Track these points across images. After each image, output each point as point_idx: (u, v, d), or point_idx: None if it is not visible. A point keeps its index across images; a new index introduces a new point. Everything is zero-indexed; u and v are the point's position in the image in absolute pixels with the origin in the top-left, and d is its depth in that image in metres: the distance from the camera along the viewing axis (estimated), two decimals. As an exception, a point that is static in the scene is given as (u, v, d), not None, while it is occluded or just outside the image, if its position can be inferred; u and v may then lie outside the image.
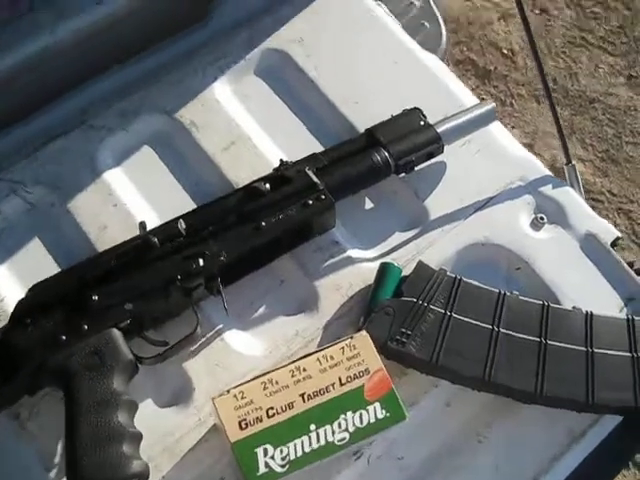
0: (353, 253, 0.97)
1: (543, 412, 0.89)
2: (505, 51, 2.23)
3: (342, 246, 0.96)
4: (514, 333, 0.88)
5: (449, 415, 0.91)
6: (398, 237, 0.98)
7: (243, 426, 0.77)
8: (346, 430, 0.78)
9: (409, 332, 0.87)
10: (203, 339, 0.91)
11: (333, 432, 0.78)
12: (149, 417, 0.87)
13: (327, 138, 1.04)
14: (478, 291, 0.91)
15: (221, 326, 0.92)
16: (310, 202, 0.91)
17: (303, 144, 1.03)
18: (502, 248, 0.97)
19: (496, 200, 1.00)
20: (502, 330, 0.88)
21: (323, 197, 0.92)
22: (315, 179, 0.93)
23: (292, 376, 0.79)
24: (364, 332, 0.82)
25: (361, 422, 0.79)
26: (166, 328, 0.91)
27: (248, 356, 0.90)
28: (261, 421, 0.77)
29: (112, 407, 0.80)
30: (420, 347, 0.86)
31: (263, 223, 0.90)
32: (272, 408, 0.78)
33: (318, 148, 1.01)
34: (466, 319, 0.89)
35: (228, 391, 0.78)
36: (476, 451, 0.89)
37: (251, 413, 0.77)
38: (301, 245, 0.95)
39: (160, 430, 0.86)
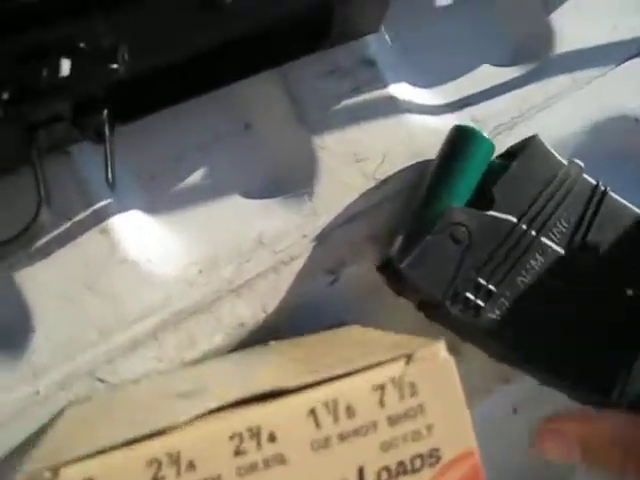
0: (398, 91, 0.44)
1: None
2: None
3: (380, 73, 0.43)
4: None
5: (512, 427, 0.46)
6: (487, 74, 0.45)
7: None
8: None
9: (491, 287, 0.38)
10: (67, 224, 0.39)
11: None
12: None
13: None
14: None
15: (108, 202, 0.40)
16: None
17: None
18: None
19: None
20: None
21: None
22: None
23: (236, 453, 0.24)
24: (440, 349, 0.26)
25: None
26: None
27: (155, 276, 0.39)
28: None
29: None
30: (512, 322, 0.39)
31: None
32: None
33: None
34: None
35: (56, 472, 0.23)
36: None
37: None
38: (299, 58, 0.42)
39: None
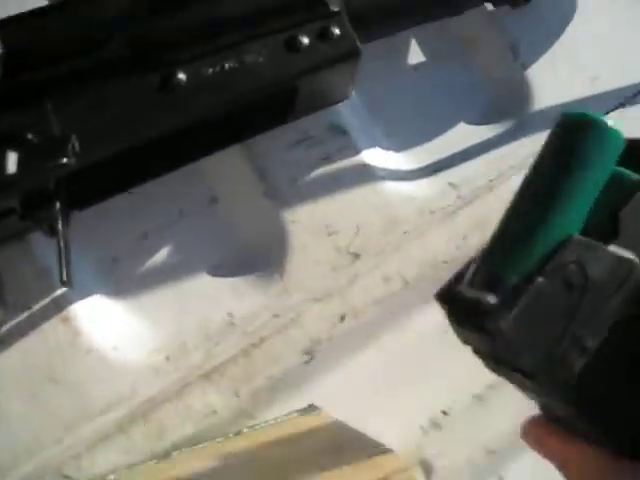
0: (372, 158, 0.42)
1: None
2: None
3: (352, 140, 0.41)
4: None
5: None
6: (463, 134, 0.44)
7: None
8: None
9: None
10: (25, 314, 0.37)
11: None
12: None
13: None
14: None
15: (61, 292, 0.37)
16: (304, 40, 0.34)
17: None
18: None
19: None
20: None
21: (337, 31, 0.35)
22: (325, -9, 0.37)
23: None
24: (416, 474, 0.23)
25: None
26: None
27: (121, 365, 0.37)
28: None
29: None
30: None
31: (181, 76, 0.33)
32: None
33: None
34: None
35: None
36: None
37: None
38: (268, 130, 0.39)
39: None
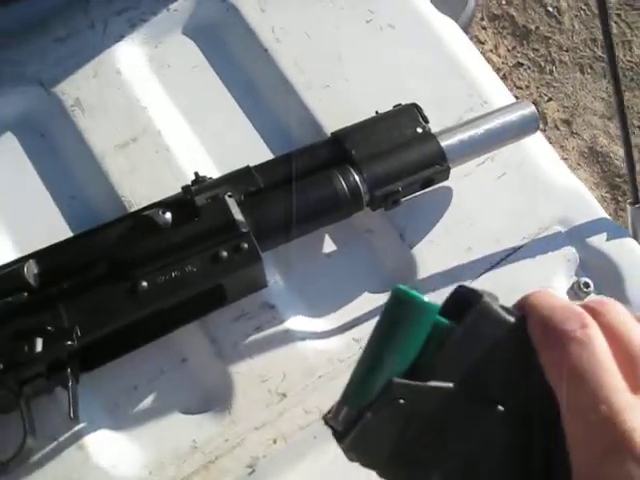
0: (295, 324, 0.60)
1: None
2: (550, 9, 1.75)
3: (279, 312, 0.59)
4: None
5: None
6: (365, 300, 0.61)
7: None
8: None
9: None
10: (52, 445, 0.56)
11: None
12: None
13: (278, 138, 0.66)
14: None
15: (83, 426, 0.56)
16: (224, 253, 0.54)
17: (241, 147, 0.65)
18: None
19: (522, 253, 0.62)
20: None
21: (245, 245, 0.54)
22: (236, 214, 0.55)
23: None
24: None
25: None
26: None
27: (114, 476, 0.55)
28: None
29: None
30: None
31: (144, 283, 0.53)
32: None
33: (263, 154, 0.64)
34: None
35: None
36: None
37: None
38: (213, 311, 0.58)
39: None
